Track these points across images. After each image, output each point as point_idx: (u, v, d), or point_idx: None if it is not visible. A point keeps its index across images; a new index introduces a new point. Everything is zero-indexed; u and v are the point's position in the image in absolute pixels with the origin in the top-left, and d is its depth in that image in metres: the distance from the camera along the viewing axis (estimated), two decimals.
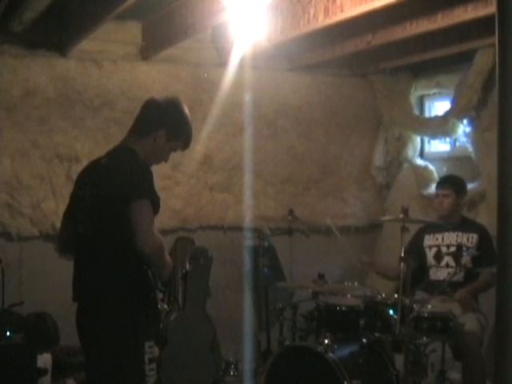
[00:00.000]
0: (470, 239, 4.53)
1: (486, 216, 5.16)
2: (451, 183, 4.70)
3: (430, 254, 4.66)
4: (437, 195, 4.73)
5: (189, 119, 3.14)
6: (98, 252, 2.93)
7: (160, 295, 2.99)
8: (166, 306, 3.04)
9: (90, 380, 3.06)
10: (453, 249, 4.56)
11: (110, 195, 2.89)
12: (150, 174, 2.94)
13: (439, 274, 4.59)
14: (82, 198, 3.01)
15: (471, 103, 5.37)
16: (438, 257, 4.62)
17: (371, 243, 6.23)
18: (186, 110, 3.14)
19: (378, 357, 3.95)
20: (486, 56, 5.17)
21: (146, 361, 2.99)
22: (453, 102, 5.57)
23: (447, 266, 4.56)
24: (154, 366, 3.02)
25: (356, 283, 4.50)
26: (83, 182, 3.07)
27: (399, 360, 3.95)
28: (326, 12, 4.07)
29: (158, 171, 5.33)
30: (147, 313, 2.95)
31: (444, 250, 4.61)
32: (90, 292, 2.96)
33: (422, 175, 5.95)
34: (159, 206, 2.95)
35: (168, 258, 3.02)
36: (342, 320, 4.09)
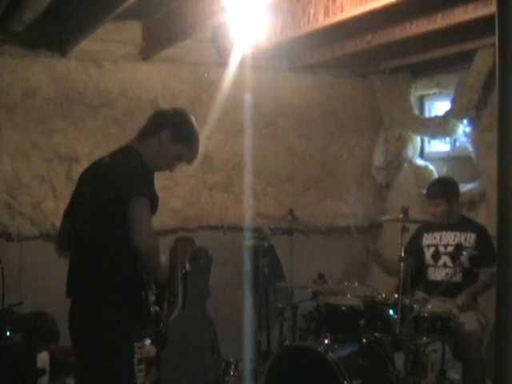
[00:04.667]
0: (467, 239, 4.53)
1: (486, 216, 5.16)
2: (440, 191, 4.64)
3: (428, 254, 4.66)
4: (428, 204, 4.72)
5: (195, 128, 3.15)
6: (93, 249, 2.94)
7: (153, 297, 2.97)
8: (158, 308, 3.03)
9: (80, 379, 3.07)
10: (450, 249, 4.56)
11: (109, 192, 2.90)
12: (151, 173, 2.95)
13: (437, 273, 4.59)
14: (82, 195, 3.03)
15: (471, 103, 5.36)
16: (436, 256, 4.62)
17: (371, 243, 6.22)
18: (193, 120, 3.16)
19: (378, 357, 3.95)
20: (486, 56, 5.17)
21: (135, 361, 2.97)
22: (453, 102, 5.56)
23: (444, 265, 4.56)
24: (142, 366, 3.01)
25: (356, 283, 4.50)
26: (85, 179, 3.09)
27: (399, 360, 3.95)
28: (326, 12, 4.07)
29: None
30: (137, 313, 2.94)
31: (442, 249, 4.61)
32: (81, 289, 2.97)
33: (422, 175, 5.94)
34: (157, 206, 2.95)
35: (164, 261, 3.01)
36: (342, 320, 4.09)
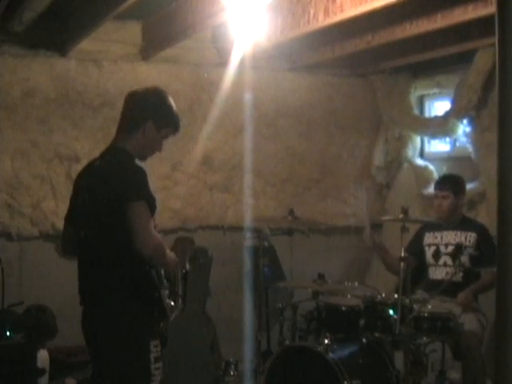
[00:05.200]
0: (468, 238, 4.53)
1: (486, 216, 5.16)
2: (449, 184, 4.68)
3: (429, 253, 4.67)
4: (435, 196, 4.72)
5: (172, 104, 3.09)
6: (100, 255, 2.94)
7: (166, 292, 2.99)
8: (172, 303, 3.04)
9: (96, 381, 3.07)
10: (451, 248, 4.56)
11: (106, 199, 2.89)
12: (144, 174, 2.92)
13: (437, 273, 4.59)
14: (81, 203, 3.01)
15: (471, 103, 5.37)
16: (437, 256, 4.63)
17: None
18: (169, 96, 3.10)
19: (378, 357, 3.95)
20: (486, 56, 5.17)
21: (152, 360, 2.99)
22: (453, 102, 5.57)
23: (445, 265, 4.56)
24: (160, 364, 3.00)
25: (356, 283, 4.50)
26: (80, 185, 3.07)
27: (399, 360, 3.95)
28: (326, 12, 4.07)
29: (158, 171, 5.39)
30: (152, 312, 2.95)
31: (442, 248, 4.61)
32: (92, 295, 2.97)
33: (422, 175, 5.94)
34: (155, 207, 2.94)
35: (171, 255, 3.02)
36: (342, 320, 4.09)
